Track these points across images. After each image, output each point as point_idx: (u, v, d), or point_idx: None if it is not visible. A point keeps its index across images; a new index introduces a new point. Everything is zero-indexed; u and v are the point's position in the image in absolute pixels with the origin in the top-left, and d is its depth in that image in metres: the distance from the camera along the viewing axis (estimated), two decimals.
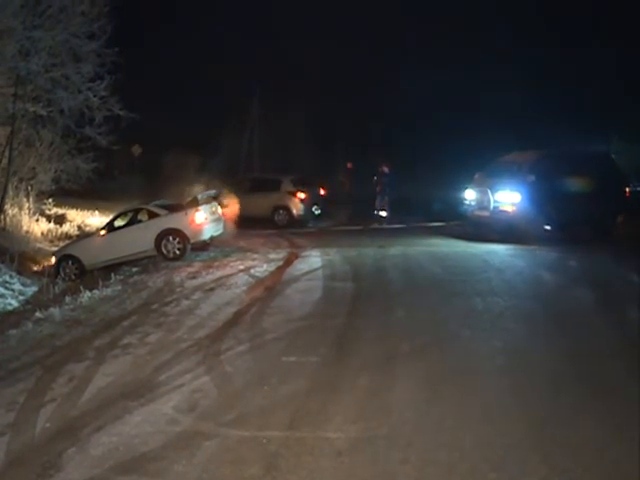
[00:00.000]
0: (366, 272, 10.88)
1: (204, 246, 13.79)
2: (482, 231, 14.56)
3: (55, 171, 17.75)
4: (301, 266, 11.42)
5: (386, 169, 18.73)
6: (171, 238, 12.84)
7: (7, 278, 12.10)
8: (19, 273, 12.78)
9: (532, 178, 13.78)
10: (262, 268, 11.29)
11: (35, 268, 14.09)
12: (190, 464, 4.26)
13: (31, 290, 11.98)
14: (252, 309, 8.39)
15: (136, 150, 27.76)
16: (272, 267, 11.37)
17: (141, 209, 13.86)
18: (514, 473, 4.02)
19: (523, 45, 26.86)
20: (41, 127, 16.90)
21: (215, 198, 14.41)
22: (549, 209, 13.59)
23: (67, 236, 17.88)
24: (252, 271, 11.06)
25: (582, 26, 26.57)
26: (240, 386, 5.68)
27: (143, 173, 25.54)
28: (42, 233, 17.55)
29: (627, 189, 14.65)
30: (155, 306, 9.04)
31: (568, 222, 13.98)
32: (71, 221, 19.86)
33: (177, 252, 12.83)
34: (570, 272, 10.68)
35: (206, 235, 13.34)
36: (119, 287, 10.87)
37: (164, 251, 12.82)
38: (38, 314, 9.16)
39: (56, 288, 11.91)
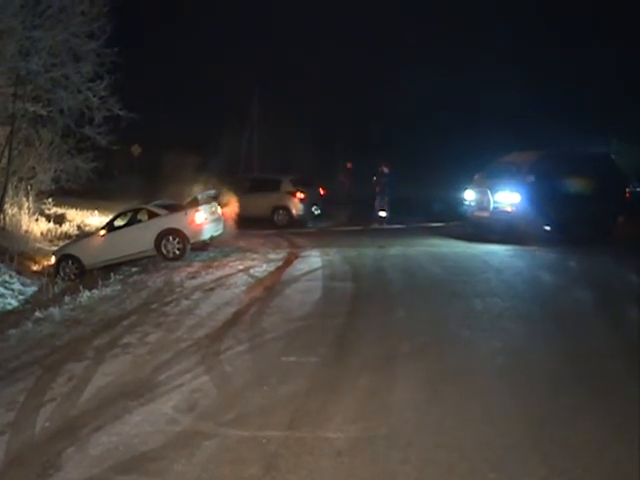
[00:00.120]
0: (366, 272, 10.88)
1: (204, 246, 13.79)
2: (482, 232, 14.56)
3: (55, 171, 17.75)
4: (301, 266, 11.42)
5: (386, 169, 18.70)
6: (171, 238, 12.84)
7: (7, 278, 12.10)
8: (19, 273, 12.78)
9: (532, 179, 13.78)
10: (262, 268, 11.29)
11: (35, 268, 14.08)
12: (190, 464, 4.26)
13: (31, 290, 11.98)
14: (252, 309, 8.39)
15: (136, 150, 27.75)
16: (272, 267, 11.37)
17: (141, 209, 13.86)
18: (514, 473, 4.02)
19: (523, 45, 26.87)
20: (41, 127, 16.90)
21: (215, 198, 14.41)
22: (549, 210, 13.58)
23: (67, 236, 17.87)
24: (252, 271, 11.06)
25: (582, 26, 26.58)
26: (240, 386, 5.68)
27: (143, 173, 25.57)
28: (42, 233, 17.54)
29: (627, 190, 14.66)
30: (155, 306, 9.04)
31: (568, 223, 13.98)
32: (71, 221, 19.85)
33: (177, 252, 12.83)
34: (570, 273, 10.68)
35: (206, 235, 13.34)
36: (119, 287, 10.87)
37: (164, 251, 12.81)
38: (38, 314, 9.16)
39: (56, 288, 11.91)
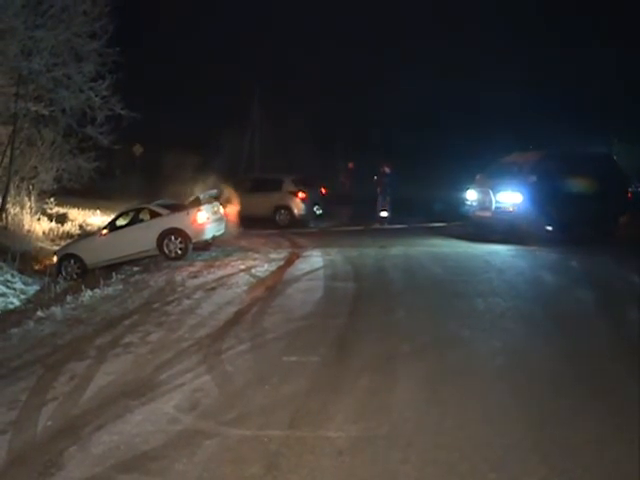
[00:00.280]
0: (367, 272, 10.88)
1: (206, 246, 13.81)
2: (483, 232, 14.57)
3: (57, 170, 17.79)
4: (302, 266, 11.43)
5: (387, 169, 18.72)
6: (173, 238, 12.86)
7: (9, 277, 12.13)
8: (21, 272, 12.82)
9: (533, 179, 13.78)
10: (263, 268, 11.30)
11: (37, 267, 14.11)
12: (191, 463, 4.27)
13: (33, 289, 12.01)
14: (253, 309, 8.40)
15: (137, 150, 27.77)
16: (273, 267, 11.38)
17: (143, 208, 13.88)
18: (514, 473, 4.03)
19: (523, 45, 26.88)
20: (43, 126, 16.94)
21: (217, 198, 14.43)
22: (550, 210, 13.59)
23: (68, 235, 17.91)
24: (253, 271, 11.07)
25: (582, 26, 26.59)
26: (241, 385, 5.69)
27: (144, 173, 25.60)
28: (43, 232, 17.58)
29: (628, 190, 14.67)
30: (156, 305, 9.05)
31: (569, 223, 13.98)
32: (72, 220, 19.89)
33: (179, 252, 12.84)
34: (571, 273, 10.68)
35: (208, 235, 13.35)
36: (120, 286, 10.89)
37: (166, 251, 12.83)
38: (40, 313, 9.18)
39: (57, 287, 11.94)
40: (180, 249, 12.85)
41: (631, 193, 14.77)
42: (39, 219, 17.97)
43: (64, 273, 13.03)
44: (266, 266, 11.46)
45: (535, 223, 13.55)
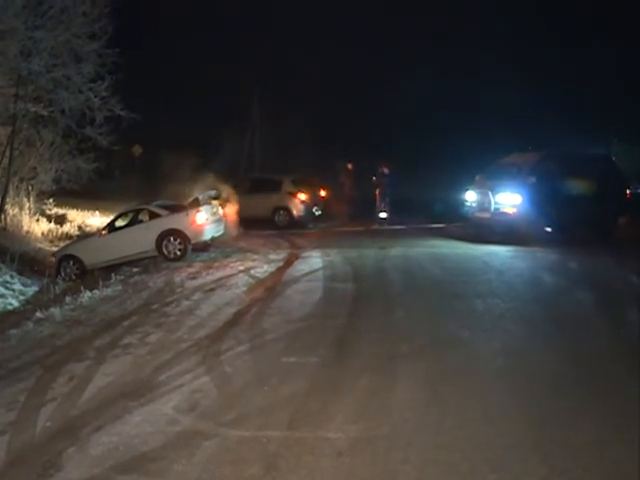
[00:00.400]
0: (367, 273, 10.88)
1: (205, 247, 13.81)
2: (483, 232, 14.57)
3: (56, 171, 17.77)
4: (301, 267, 11.42)
5: (386, 170, 18.71)
6: (172, 239, 12.86)
7: (8, 278, 12.13)
8: (19, 273, 12.81)
9: (533, 180, 13.78)
10: (262, 269, 11.29)
11: (35, 268, 14.08)
12: (190, 464, 4.26)
13: (31, 290, 12.00)
14: (252, 310, 8.39)
15: (137, 150, 27.77)
16: (272, 268, 11.38)
17: (142, 209, 13.89)
18: (514, 473, 4.02)
19: (523, 45, 26.90)
20: (42, 127, 16.93)
21: (216, 199, 14.42)
22: (550, 211, 13.59)
23: (67, 236, 17.91)
24: (252, 272, 11.06)
25: (582, 26, 26.61)
26: (240, 386, 5.68)
27: (143, 173, 25.59)
28: (42, 233, 17.58)
29: (628, 191, 14.67)
30: (155, 306, 9.04)
31: (569, 224, 13.98)
32: (71, 221, 19.89)
33: (178, 253, 12.84)
34: (571, 274, 10.67)
35: (207, 236, 13.36)
36: (119, 287, 10.88)
37: (165, 251, 12.83)
38: (39, 314, 9.17)
39: (56, 288, 11.93)
40: (179, 250, 12.84)
41: (630, 194, 14.76)
42: (38, 220, 17.96)
43: (63, 274, 13.02)
44: (265, 267, 11.45)
45: (534, 224, 13.54)
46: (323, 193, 20.89)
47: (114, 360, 6.66)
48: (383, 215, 18.63)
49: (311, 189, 19.74)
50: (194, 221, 12.95)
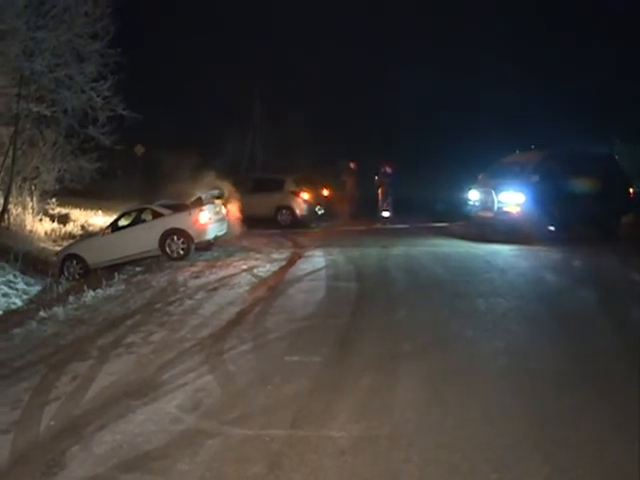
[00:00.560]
0: (369, 272, 10.88)
1: (208, 246, 13.83)
2: (485, 231, 14.56)
3: (58, 171, 17.79)
4: (304, 266, 11.43)
5: (388, 169, 18.72)
6: (175, 238, 12.87)
7: (11, 277, 12.16)
8: (23, 272, 12.84)
9: (536, 179, 13.77)
10: (265, 268, 11.30)
11: (39, 267, 14.11)
12: (193, 462, 4.27)
13: (35, 289, 12.03)
14: (255, 309, 8.41)
15: (139, 150, 27.78)
16: (275, 267, 11.39)
17: (145, 209, 13.89)
18: (516, 473, 4.02)
19: (523, 45, 26.91)
20: (45, 127, 16.94)
21: (219, 198, 14.43)
22: (553, 210, 13.58)
23: (70, 236, 17.92)
24: (255, 271, 11.07)
25: (582, 26, 26.60)
26: (243, 385, 5.69)
27: (146, 173, 25.59)
28: (45, 233, 17.60)
29: (631, 190, 14.65)
30: (159, 305, 9.06)
31: (572, 223, 13.97)
32: (74, 221, 19.90)
33: (181, 252, 12.86)
34: (574, 273, 10.67)
35: (210, 235, 13.37)
36: (123, 286, 10.90)
37: (168, 251, 12.85)
38: (42, 313, 9.20)
39: (60, 287, 11.95)
40: (182, 249, 12.86)
41: (634, 193, 14.74)
42: (41, 220, 17.99)
43: (66, 273, 13.04)
44: (268, 266, 11.46)
45: (537, 223, 13.54)
46: (326, 192, 20.89)
47: (117, 359, 6.68)
48: (386, 214, 18.64)
49: (314, 188, 19.76)
50: (197, 220, 12.97)
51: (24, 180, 17.12)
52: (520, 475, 4.00)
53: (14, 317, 9.81)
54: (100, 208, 22.06)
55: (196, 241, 13.02)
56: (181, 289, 10.04)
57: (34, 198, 17.50)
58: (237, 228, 15.68)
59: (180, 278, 10.93)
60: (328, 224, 19.45)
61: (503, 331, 7.05)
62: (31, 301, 11.23)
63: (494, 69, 26.42)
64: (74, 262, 13.15)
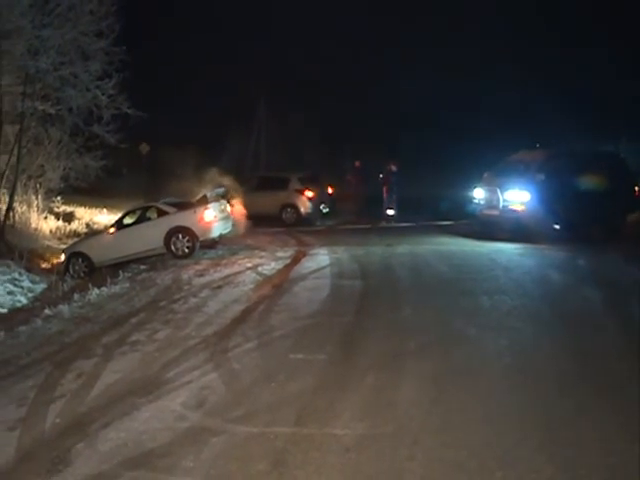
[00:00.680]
0: (374, 270, 10.88)
1: (212, 244, 13.84)
2: (491, 230, 14.52)
3: (64, 169, 17.82)
4: (309, 264, 11.43)
5: (394, 167, 18.72)
6: (180, 236, 12.89)
7: (16, 275, 12.17)
8: (28, 270, 12.85)
9: (541, 177, 13.73)
10: (270, 266, 11.31)
11: (44, 265, 14.15)
12: (198, 460, 4.28)
13: (40, 287, 12.04)
14: (260, 307, 8.41)
15: (144, 148, 27.76)
16: (280, 265, 11.40)
17: (150, 207, 13.91)
18: (520, 472, 4.02)
19: (523, 45, 26.88)
20: (50, 125, 16.96)
21: (224, 196, 14.44)
22: (558, 208, 13.53)
23: (75, 234, 17.97)
24: (260, 269, 11.09)
25: (582, 25, 26.56)
26: (248, 383, 5.70)
27: (151, 171, 25.62)
28: (50, 231, 17.64)
29: (636, 188, 14.59)
30: (163, 303, 9.08)
31: (577, 221, 13.91)
32: (79, 219, 19.95)
33: (186, 250, 12.87)
34: (579, 271, 10.63)
35: (215, 233, 13.38)
36: (127, 284, 10.92)
37: (173, 249, 12.86)
38: (47, 311, 9.23)
39: (65, 285, 11.97)
40: (187, 247, 12.88)
41: (639, 191, 14.68)
42: (46, 217, 18.03)
43: (72, 271, 13.07)
44: (273, 264, 11.47)
45: (543, 221, 13.49)
46: (330, 190, 20.88)
47: (122, 357, 6.69)
48: (390, 212, 18.63)
49: (318, 186, 19.75)
50: (202, 218, 12.98)
51: (29, 178, 17.16)
52: (524, 473, 3.99)
53: (19, 315, 9.83)
54: (105, 206, 22.11)
55: (201, 239, 13.03)
56: (186, 287, 10.06)
57: (39, 196, 17.52)
58: (242, 226, 15.70)
59: (185, 276, 10.95)
60: (333, 222, 19.44)
61: (507, 329, 7.04)
62: (36, 299, 11.24)
63: (494, 69, 26.42)
64: (80, 260, 13.17)
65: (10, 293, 11.22)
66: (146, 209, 13.96)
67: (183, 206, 13.55)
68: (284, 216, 19.22)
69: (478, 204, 15.30)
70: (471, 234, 14.82)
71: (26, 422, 5.15)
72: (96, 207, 22.01)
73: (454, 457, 4.19)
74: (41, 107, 15.62)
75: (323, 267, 11.11)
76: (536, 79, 26.70)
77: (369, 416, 4.86)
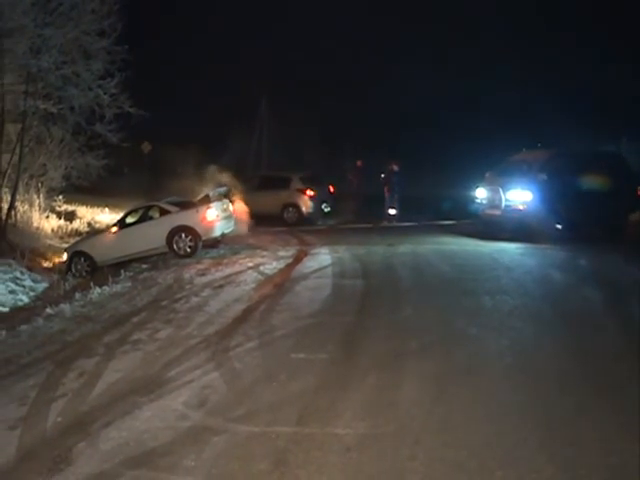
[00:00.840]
0: (375, 270, 10.87)
1: (214, 243, 13.84)
2: (493, 230, 14.51)
3: (65, 168, 17.82)
4: (310, 264, 11.43)
5: (396, 167, 18.70)
6: (183, 235, 12.89)
7: (18, 274, 12.18)
8: (30, 269, 12.87)
9: (544, 177, 13.73)
10: (271, 265, 11.31)
11: (45, 264, 14.16)
12: (199, 459, 4.28)
13: (41, 286, 12.05)
14: (261, 306, 8.41)
15: (146, 147, 27.83)
16: (281, 264, 11.39)
17: (152, 206, 13.90)
18: (521, 471, 4.02)
19: (523, 45, 26.89)
20: (52, 124, 16.96)
21: (226, 195, 14.44)
22: (560, 208, 13.53)
23: (77, 233, 17.99)
24: (261, 268, 11.08)
25: (582, 25, 26.54)
26: (249, 382, 5.70)
27: (153, 170, 25.64)
28: (52, 230, 17.67)
29: (638, 188, 14.57)
30: (165, 303, 9.08)
31: (579, 221, 13.90)
32: (81, 218, 19.98)
33: (188, 249, 12.88)
34: (580, 271, 10.62)
35: (217, 232, 13.38)
36: (129, 284, 10.93)
37: (175, 248, 12.87)
38: (49, 310, 9.24)
39: (66, 284, 11.98)
40: (189, 247, 12.88)
41: None
42: (48, 216, 18.04)
43: (74, 270, 13.09)
44: (274, 264, 11.47)
45: (545, 221, 13.49)
46: (332, 190, 20.88)
47: (124, 356, 6.70)
48: (392, 212, 18.63)
49: (320, 186, 19.75)
50: (204, 218, 12.98)
51: (31, 177, 17.17)
52: (525, 473, 3.99)
53: (21, 314, 9.85)
54: (107, 205, 22.12)
55: (203, 238, 13.03)
56: (187, 286, 10.06)
57: (41, 195, 17.54)
58: (244, 225, 15.70)
59: (186, 275, 10.95)
60: (334, 222, 19.44)
61: (509, 329, 7.03)
62: (38, 298, 11.26)
63: (494, 69, 26.42)
64: (82, 259, 13.19)
65: (12, 292, 11.23)
66: (148, 208, 13.95)
67: (185, 205, 13.56)
68: (286, 215, 19.22)
69: (480, 204, 15.30)
70: (473, 234, 14.81)
71: (27, 421, 5.16)
72: (98, 206, 22.03)
73: (455, 457, 4.19)
74: (43, 106, 15.62)
75: (325, 266, 11.10)
76: (536, 79, 26.70)
77: (370, 416, 4.86)
